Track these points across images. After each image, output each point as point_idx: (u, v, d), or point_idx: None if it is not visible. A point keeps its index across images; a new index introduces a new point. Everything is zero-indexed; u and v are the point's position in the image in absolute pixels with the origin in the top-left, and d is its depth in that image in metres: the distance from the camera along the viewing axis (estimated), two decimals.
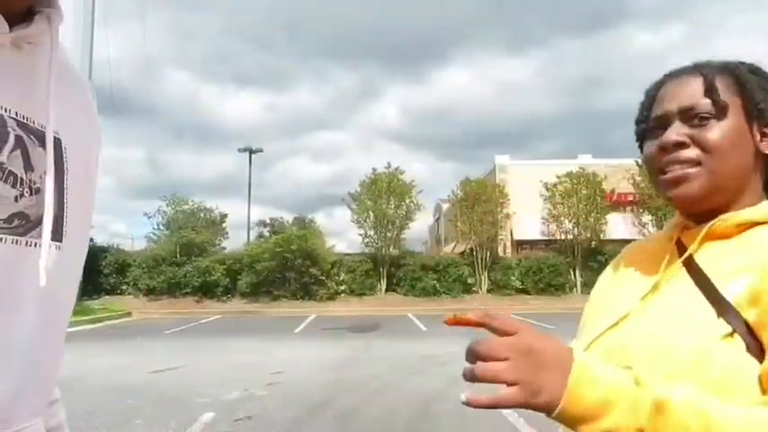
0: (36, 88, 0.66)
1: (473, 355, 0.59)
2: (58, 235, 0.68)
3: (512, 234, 25.56)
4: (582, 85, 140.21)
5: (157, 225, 24.06)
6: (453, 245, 27.19)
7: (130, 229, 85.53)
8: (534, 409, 0.59)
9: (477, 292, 22.14)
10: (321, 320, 16.01)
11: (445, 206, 30.75)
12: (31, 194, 0.64)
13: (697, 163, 0.74)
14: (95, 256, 20.96)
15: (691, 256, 0.75)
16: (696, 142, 0.75)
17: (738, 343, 0.64)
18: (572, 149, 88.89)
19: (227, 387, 6.34)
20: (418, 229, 28.63)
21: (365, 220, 22.61)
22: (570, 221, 22.53)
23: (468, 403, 0.59)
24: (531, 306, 19.60)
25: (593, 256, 21.79)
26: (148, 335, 12.61)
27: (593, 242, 22.36)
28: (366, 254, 22.90)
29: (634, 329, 0.74)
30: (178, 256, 22.03)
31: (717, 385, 0.63)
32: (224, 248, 24.71)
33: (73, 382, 6.33)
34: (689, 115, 0.76)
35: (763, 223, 0.73)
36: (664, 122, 0.78)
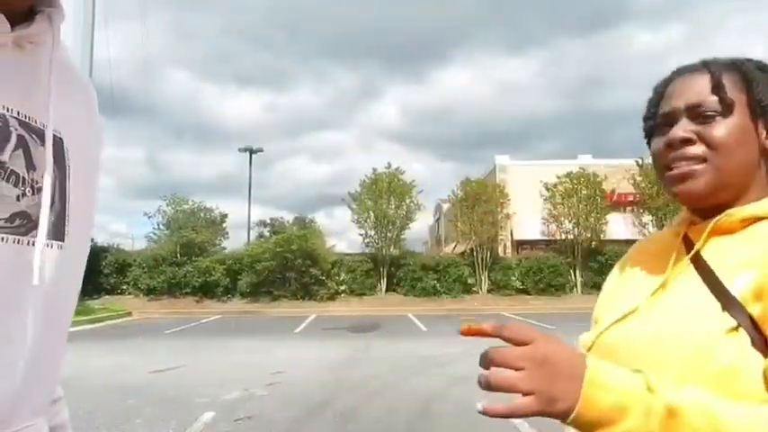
0: (38, 88, 0.66)
1: (488, 363, 0.60)
2: (60, 234, 0.68)
3: (512, 234, 25.55)
4: (582, 86, 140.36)
5: (158, 225, 24.07)
6: (453, 245, 27.19)
7: (131, 229, 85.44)
8: (549, 417, 0.59)
9: (478, 293, 22.12)
10: (321, 320, 16.01)
11: (445, 206, 30.74)
12: (33, 194, 0.64)
13: (703, 159, 0.75)
14: (96, 255, 20.91)
15: (698, 252, 0.76)
16: (702, 139, 0.75)
17: (743, 337, 0.65)
18: (572, 149, 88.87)
19: (228, 387, 6.35)
20: (418, 229, 28.67)
21: (365, 220, 22.60)
22: (570, 222, 22.50)
23: (484, 412, 0.59)
24: (531, 306, 19.60)
25: (593, 257, 21.82)
26: (149, 335, 12.61)
27: (594, 242, 22.34)
28: (366, 254, 22.90)
29: (640, 325, 0.75)
30: (178, 255, 22.03)
31: (721, 379, 0.64)
32: (224, 248, 24.72)
33: (73, 382, 6.32)
34: (696, 112, 0.76)
35: None
36: (671, 119, 0.79)
